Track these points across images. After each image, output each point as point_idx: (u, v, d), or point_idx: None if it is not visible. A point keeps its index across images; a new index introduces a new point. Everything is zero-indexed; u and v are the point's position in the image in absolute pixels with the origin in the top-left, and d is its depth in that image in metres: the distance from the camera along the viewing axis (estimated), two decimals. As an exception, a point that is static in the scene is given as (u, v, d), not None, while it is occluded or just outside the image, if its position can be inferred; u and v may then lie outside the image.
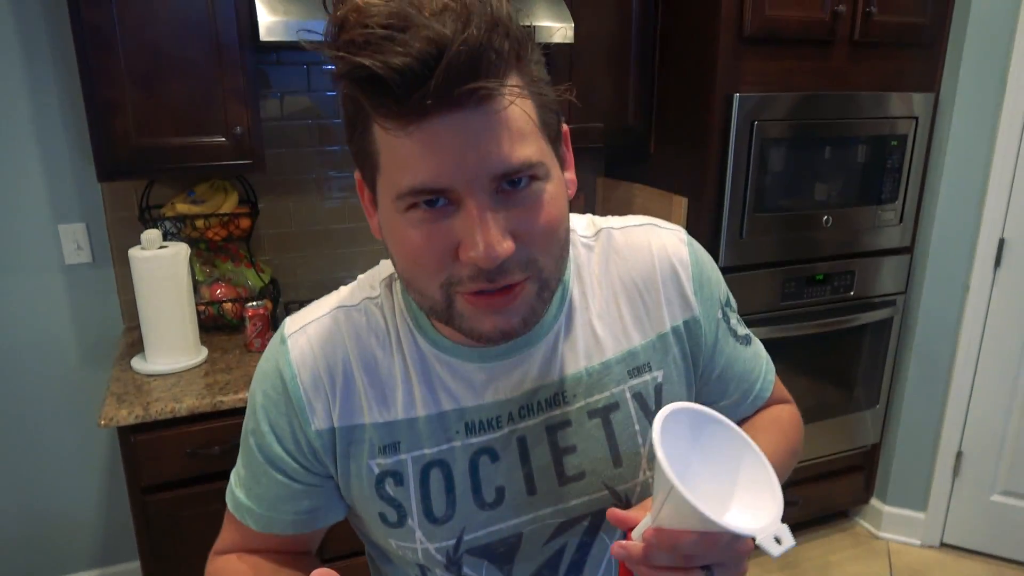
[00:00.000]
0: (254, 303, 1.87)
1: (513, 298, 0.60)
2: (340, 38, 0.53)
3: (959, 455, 2.42)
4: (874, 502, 2.60)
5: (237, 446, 1.72)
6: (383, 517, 0.71)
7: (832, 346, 2.32)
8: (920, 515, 2.51)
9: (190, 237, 1.97)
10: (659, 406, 0.74)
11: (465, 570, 0.72)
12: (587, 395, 0.72)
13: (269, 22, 1.61)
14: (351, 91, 0.56)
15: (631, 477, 0.73)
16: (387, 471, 0.70)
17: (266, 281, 2.07)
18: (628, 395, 0.73)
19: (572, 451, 0.72)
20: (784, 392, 0.89)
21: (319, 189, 2.21)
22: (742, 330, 0.82)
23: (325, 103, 2.16)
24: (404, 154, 0.55)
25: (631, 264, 0.75)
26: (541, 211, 0.58)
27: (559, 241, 0.61)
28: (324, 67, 2.13)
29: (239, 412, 1.65)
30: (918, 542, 2.52)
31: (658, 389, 0.74)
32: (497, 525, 0.71)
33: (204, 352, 1.83)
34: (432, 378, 0.70)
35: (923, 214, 2.32)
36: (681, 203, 2.12)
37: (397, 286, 0.73)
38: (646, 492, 0.74)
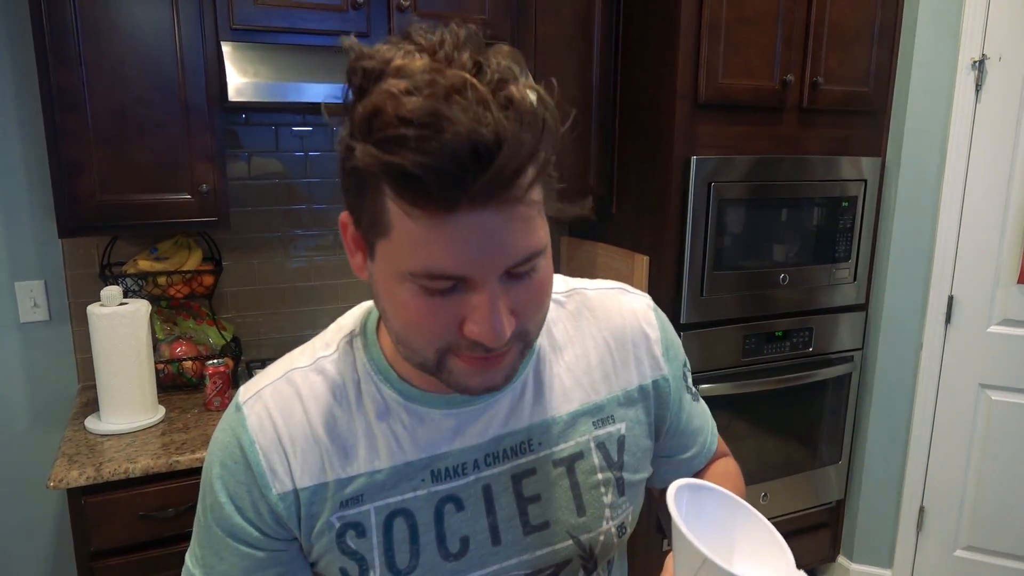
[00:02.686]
0: (214, 361, 1.84)
1: (501, 359, 0.62)
2: (373, 130, 0.51)
3: (922, 510, 2.44)
4: (841, 560, 2.59)
5: (193, 507, 1.68)
6: (344, 572, 0.70)
7: (794, 402, 2.35)
8: (887, 572, 2.51)
9: (152, 294, 1.95)
10: (621, 457, 0.76)
11: None
12: (553, 444, 0.73)
13: (238, 83, 1.64)
14: (374, 178, 0.54)
15: (595, 526, 0.74)
16: (349, 523, 0.69)
17: (228, 339, 2.05)
18: (592, 445, 0.75)
19: (536, 500, 0.72)
20: (723, 444, 0.93)
21: (284, 248, 2.22)
22: (694, 388, 0.87)
23: (293, 163, 2.19)
24: (422, 239, 0.54)
25: (603, 323, 0.78)
26: (540, 289, 0.61)
27: (546, 307, 0.64)
28: (293, 128, 2.17)
29: (196, 472, 1.61)
30: (886, 600, 2.51)
31: (621, 441, 0.76)
32: None
33: (161, 411, 1.79)
34: (397, 427, 0.70)
35: (875, 272, 2.40)
36: (643, 262, 2.16)
37: (358, 342, 0.73)
38: (609, 541, 0.75)
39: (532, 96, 0.53)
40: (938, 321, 2.31)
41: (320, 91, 1.73)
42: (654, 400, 0.79)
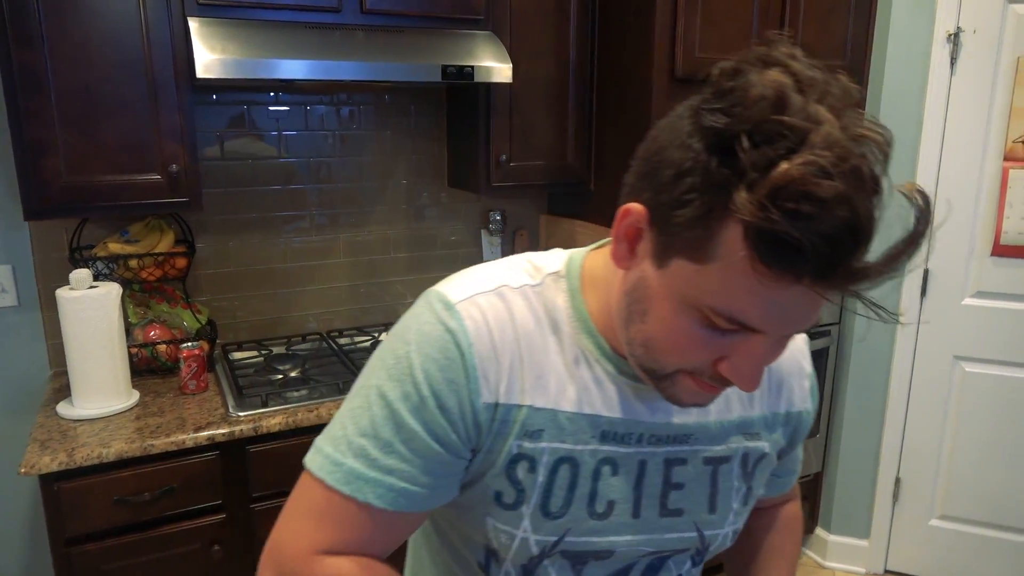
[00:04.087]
0: (189, 344, 1.82)
1: (722, 389, 0.66)
2: (780, 196, 0.50)
3: (898, 481, 2.47)
4: (819, 531, 2.63)
5: (168, 491, 1.66)
6: (499, 496, 0.71)
7: (772, 377, 2.37)
8: (863, 543, 2.55)
9: (123, 278, 1.92)
10: (755, 471, 0.80)
11: (544, 563, 0.74)
12: (707, 443, 0.76)
13: (207, 60, 1.61)
14: (733, 219, 0.53)
15: (718, 526, 0.79)
16: (524, 455, 0.70)
17: (203, 322, 2.03)
18: (739, 454, 0.79)
19: (679, 488, 0.76)
20: (796, 485, 0.99)
21: (259, 229, 2.19)
22: None
23: (267, 143, 2.15)
24: (747, 289, 0.55)
25: None
26: (783, 349, 0.63)
27: None
28: (269, 108, 2.13)
29: (171, 456, 1.60)
30: (863, 570, 2.55)
31: (760, 458, 0.80)
32: (598, 536, 0.74)
33: (135, 395, 1.77)
34: (585, 378, 0.71)
35: (852, 247, 2.41)
36: (621, 238, 2.16)
37: (563, 284, 0.73)
38: (723, 543, 0.80)
39: (918, 198, 0.54)
40: (914, 294, 2.33)
41: (292, 68, 1.69)
42: (795, 428, 0.83)
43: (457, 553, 0.79)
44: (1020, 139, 2.17)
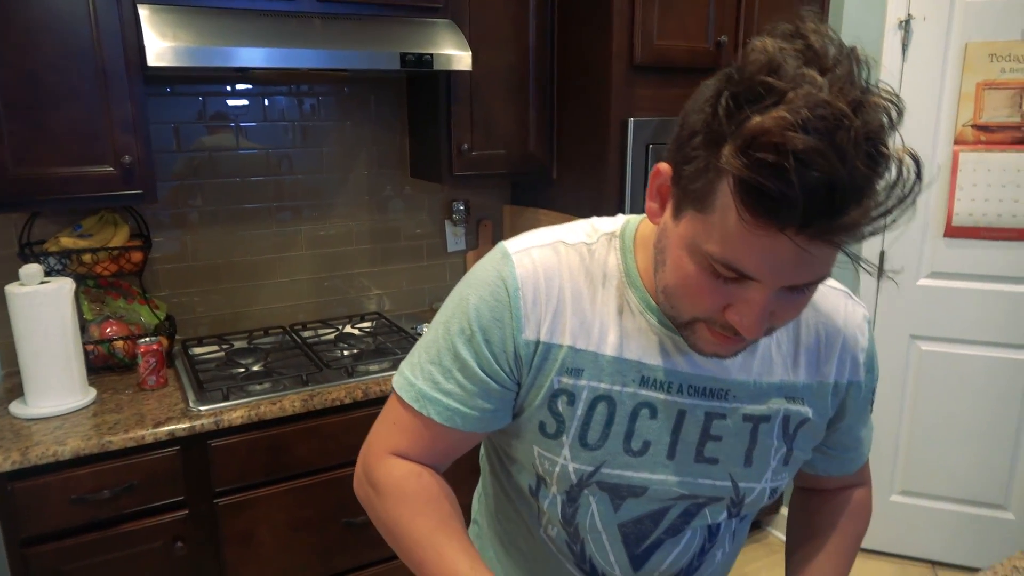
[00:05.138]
0: (147, 339, 1.78)
1: (742, 341, 0.70)
2: (754, 146, 0.54)
3: (859, 460, 2.53)
4: (784, 511, 2.68)
5: (129, 488, 1.63)
6: (542, 426, 0.79)
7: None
8: (827, 521, 2.60)
9: (77, 273, 1.87)
10: (797, 434, 0.83)
11: (585, 493, 0.81)
12: (748, 402, 0.80)
13: (158, 48, 1.57)
14: (724, 172, 0.58)
15: (754, 480, 0.83)
16: (564, 390, 0.78)
17: (161, 318, 1.99)
18: (780, 415, 0.82)
19: (717, 440, 0.80)
20: (867, 471, 1.00)
21: (218, 222, 2.15)
22: (871, 408, 0.94)
23: (224, 134, 2.11)
24: (739, 237, 0.59)
25: (821, 315, 0.84)
26: (803, 304, 0.68)
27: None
28: (226, 100, 2.10)
29: (130, 452, 1.57)
30: (827, 548, 2.60)
31: (803, 422, 0.83)
32: (632, 472, 0.79)
33: (92, 393, 1.72)
34: (628, 327, 0.78)
35: (811, 231, 2.46)
36: (584, 226, 2.16)
37: (616, 243, 0.81)
38: (759, 499, 0.84)
39: (908, 161, 0.57)
40: (870, 275, 2.38)
41: (247, 56, 1.66)
42: (845, 398, 0.85)
43: (511, 478, 0.88)
44: (969, 123, 2.23)
